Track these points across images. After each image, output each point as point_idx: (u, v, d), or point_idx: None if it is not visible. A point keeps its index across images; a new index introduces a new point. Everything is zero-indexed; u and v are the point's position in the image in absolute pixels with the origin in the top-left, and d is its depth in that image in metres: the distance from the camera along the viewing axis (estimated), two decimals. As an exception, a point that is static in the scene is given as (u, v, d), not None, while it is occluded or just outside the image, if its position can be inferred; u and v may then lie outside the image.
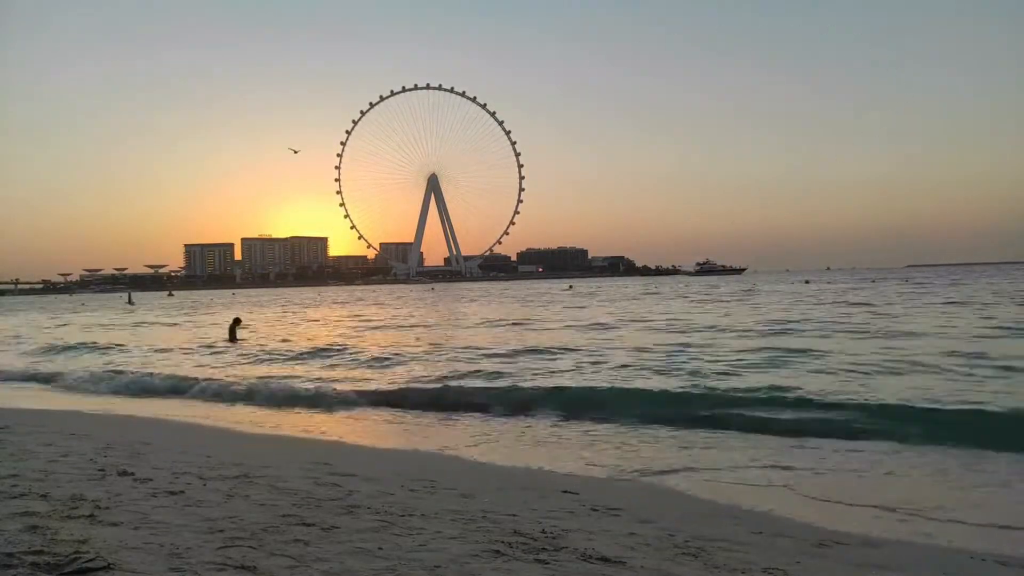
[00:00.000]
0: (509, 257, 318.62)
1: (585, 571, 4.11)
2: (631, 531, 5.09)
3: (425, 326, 33.53)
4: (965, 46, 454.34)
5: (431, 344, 23.10)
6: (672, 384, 13.05)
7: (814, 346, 18.53)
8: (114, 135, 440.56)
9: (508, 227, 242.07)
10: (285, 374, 16.96)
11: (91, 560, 3.78)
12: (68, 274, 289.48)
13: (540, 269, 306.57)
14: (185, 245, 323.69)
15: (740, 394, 11.65)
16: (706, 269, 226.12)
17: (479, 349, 20.56)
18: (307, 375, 16.69)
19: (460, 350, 20.66)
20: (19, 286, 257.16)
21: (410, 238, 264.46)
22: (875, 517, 5.93)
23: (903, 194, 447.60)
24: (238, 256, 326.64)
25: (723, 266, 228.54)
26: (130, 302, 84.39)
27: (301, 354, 21.13)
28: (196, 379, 15.71)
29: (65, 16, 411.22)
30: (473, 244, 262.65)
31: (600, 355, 18.23)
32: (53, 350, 25.55)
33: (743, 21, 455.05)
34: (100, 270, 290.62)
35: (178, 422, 11.20)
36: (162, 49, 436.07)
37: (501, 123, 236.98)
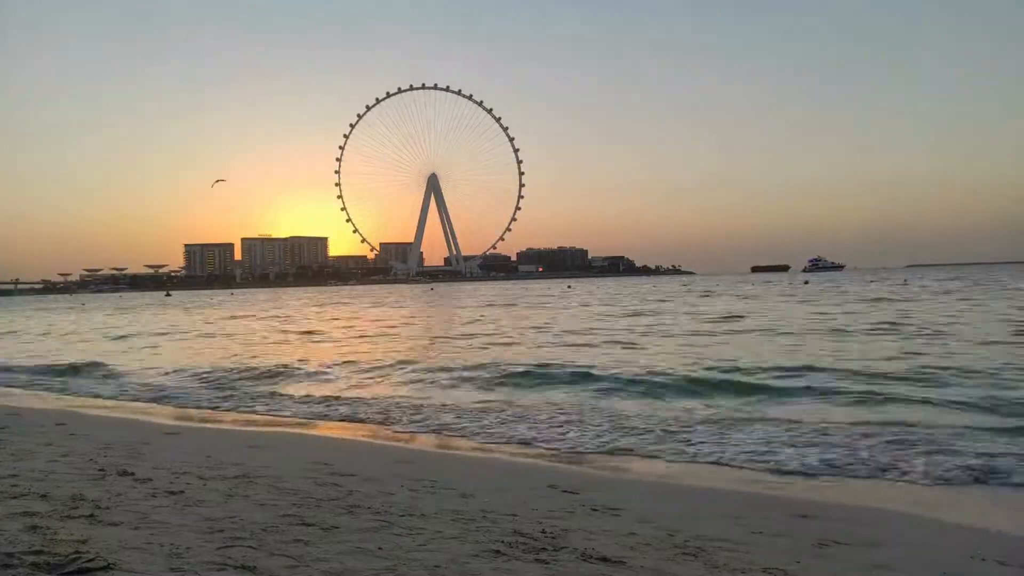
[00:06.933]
0: (509, 257, 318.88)
1: (585, 571, 4.12)
2: (631, 531, 5.09)
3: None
4: (967, 46, 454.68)
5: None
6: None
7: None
8: (114, 134, 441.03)
9: (508, 227, 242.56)
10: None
11: (91, 560, 3.79)
12: (68, 274, 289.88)
13: (540, 269, 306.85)
14: (185, 245, 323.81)
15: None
16: (820, 266, 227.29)
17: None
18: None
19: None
20: (19, 286, 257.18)
21: (410, 238, 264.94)
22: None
23: (903, 193, 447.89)
24: (238, 256, 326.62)
25: (832, 263, 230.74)
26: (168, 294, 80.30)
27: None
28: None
29: (64, 18, 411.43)
30: (473, 244, 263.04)
31: None
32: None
33: (743, 21, 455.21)
34: (100, 270, 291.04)
35: (177, 423, 11.19)
36: (162, 49, 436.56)
37: (505, 127, 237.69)
